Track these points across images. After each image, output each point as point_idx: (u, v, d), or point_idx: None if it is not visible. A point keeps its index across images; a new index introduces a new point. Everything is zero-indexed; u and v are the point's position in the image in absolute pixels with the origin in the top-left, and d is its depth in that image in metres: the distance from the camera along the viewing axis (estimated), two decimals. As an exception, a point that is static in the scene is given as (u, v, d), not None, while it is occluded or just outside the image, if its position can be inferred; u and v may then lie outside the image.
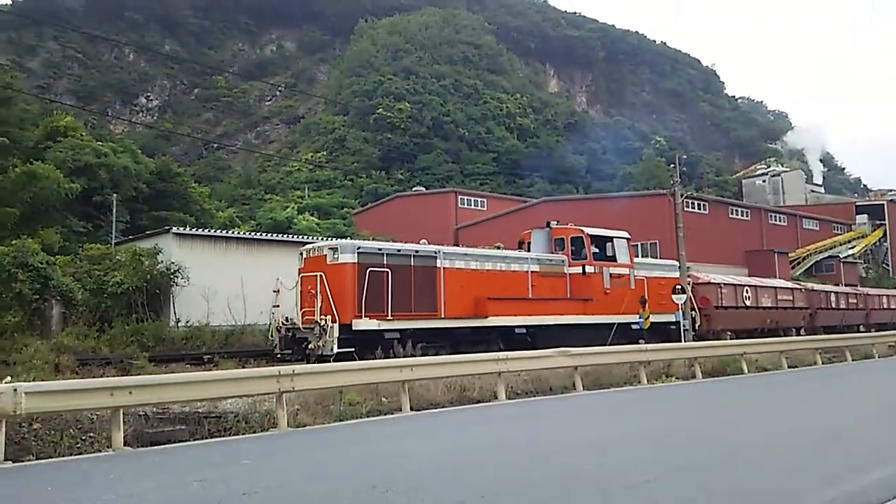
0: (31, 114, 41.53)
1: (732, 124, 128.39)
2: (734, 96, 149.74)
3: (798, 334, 28.75)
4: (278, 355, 15.80)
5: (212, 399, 10.27)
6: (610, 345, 17.56)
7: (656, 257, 40.17)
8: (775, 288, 31.25)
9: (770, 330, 27.70)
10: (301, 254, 17.28)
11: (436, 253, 17.35)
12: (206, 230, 26.91)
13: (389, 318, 15.52)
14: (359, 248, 16.01)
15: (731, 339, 23.36)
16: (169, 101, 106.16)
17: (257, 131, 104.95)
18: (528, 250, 20.41)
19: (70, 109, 56.48)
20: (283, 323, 16.09)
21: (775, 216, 54.91)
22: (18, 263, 17.44)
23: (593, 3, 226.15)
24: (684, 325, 21.93)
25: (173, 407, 10.32)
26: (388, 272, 15.69)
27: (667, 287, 21.94)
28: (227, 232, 27.26)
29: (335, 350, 14.63)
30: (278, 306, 16.39)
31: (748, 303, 28.26)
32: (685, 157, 33.72)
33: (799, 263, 52.32)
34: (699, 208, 45.03)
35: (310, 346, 14.97)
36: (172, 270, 22.15)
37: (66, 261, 22.54)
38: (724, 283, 27.28)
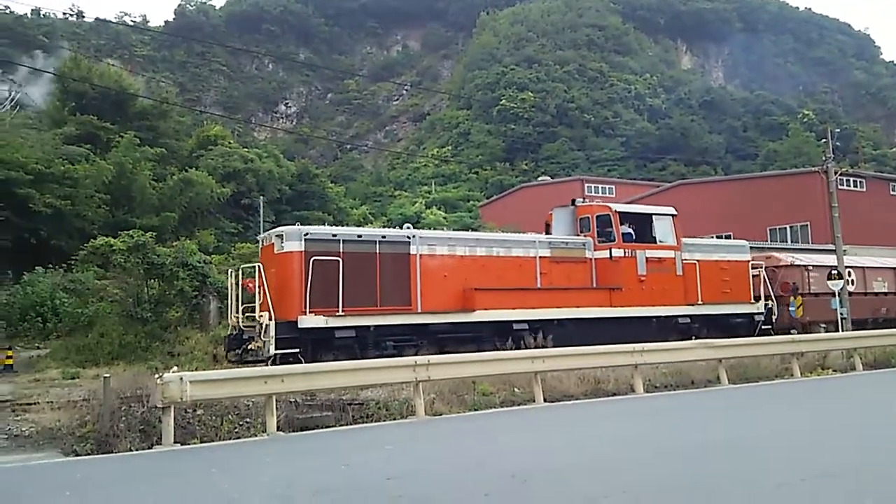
0: (185, 125, 45.24)
1: (891, 92, 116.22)
2: (892, 61, 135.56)
3: None
4: (226, 357, 14.33)
5: (355, 387, 10.73)
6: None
7: (808, 241, 37.37)
8: (893, 269, 25.62)
9: (890, 321, 22.75)
10: (259, 242, 15.62)
11: (409, 238, 14.99)
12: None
13: (340, 313, 13.47)
14: (306, 234, 13.93)
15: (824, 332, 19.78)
16: (306, 106, 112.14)
17: (386, 130, 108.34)
18: (550, 233, 17.87)
19: (218, 119, 61.09)
20: (232, 319, 14.43)
21: (946, 191, 49.26)
22: (179, 263, 19.03)
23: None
24: (842, 313, 20.18)
25: (320, 394, 10.88)
26: (339, 261, 13.66)
27: (732, 272, 18.74)
28: (361, 228, 28.33)
29: (272, 351, 12.88)
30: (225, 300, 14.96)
31: (851, 288, 23.48)
32: (837, 130, 30.80)
33: (977, 242, 46.64)
34: (856, 186, 41.28)
35: (249, 346, 13.39)
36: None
37: (221, 259, 24.33)
38: (814, 266, 22.81)
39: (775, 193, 41.29)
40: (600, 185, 61.67)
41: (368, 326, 13.82)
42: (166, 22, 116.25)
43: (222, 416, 9.55)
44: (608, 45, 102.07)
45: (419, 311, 14.56)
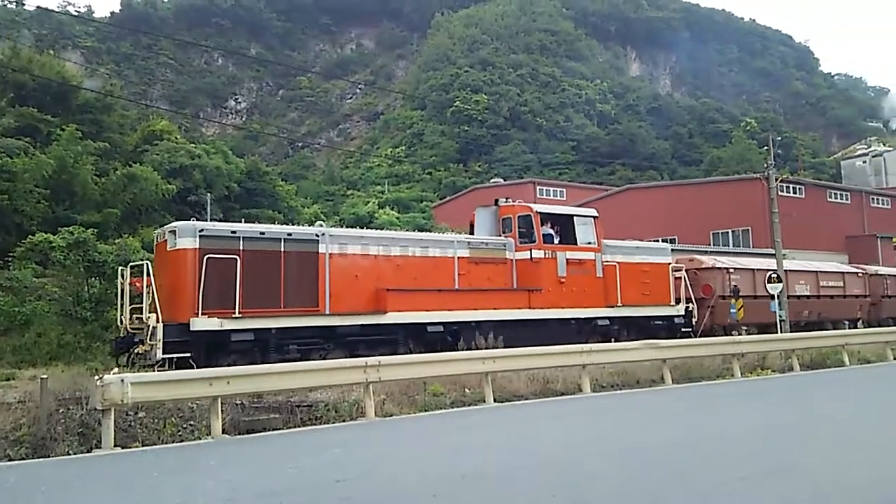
0: (130, 119, 43.87)
1: (829, 103, 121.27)
2: (830, 73, 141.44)
3: (854, 328, 24.37)
4: (116, 362, 13.36)
5: (303, 388, 10.59)
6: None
7: (749, 245, 38.63)
8: (817, 272, 25.92)
9: (812, 323, 23.35)
10: (154, 240, 15.11)
11: (318, 236, 14.36)
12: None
13: (237, 315, 12.71)
14: (201, 230, 13.11)
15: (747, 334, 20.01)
16: (256, 102, 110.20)
17: (339, 129, 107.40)
18: (473, 233, 17.80)
19: (165, 114, 59.44)
20: (120, 322, 13.62)
21: (878, 199, 51.56)
22: (122, 261, 18.44)
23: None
24: (781, 316, 20.92)
25: (267, 396, 10.72)
26: (236, 259, 12.90)
27: (654, 274, 18.70)
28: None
29: (159, 356, 12.02)
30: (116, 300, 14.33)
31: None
32: (778, 138, 31.82)
33: (906, 248, 48.97)
34: (795, 192, 42.87)
35: (136, 350, 12.64)
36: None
37: (165, 258, 23.74)
38: (735, 268, 22.73)
39: (719, 198, 42.56)
40: (552, 188, 62.40)
41: (270, 329, 13.11)
42: (112, 13, 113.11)
43: (165, 418, 9.32)
44: (560, 50, 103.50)
45: (327, 312, 13.94)
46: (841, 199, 47.57)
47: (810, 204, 43.15)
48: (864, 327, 24.49)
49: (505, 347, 12.59)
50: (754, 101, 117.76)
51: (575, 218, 17.86)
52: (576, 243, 17.49)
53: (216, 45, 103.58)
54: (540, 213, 17.30)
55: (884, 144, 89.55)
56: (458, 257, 16.08)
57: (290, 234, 14.17)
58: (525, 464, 6.82)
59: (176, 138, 39.40)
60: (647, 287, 18.46)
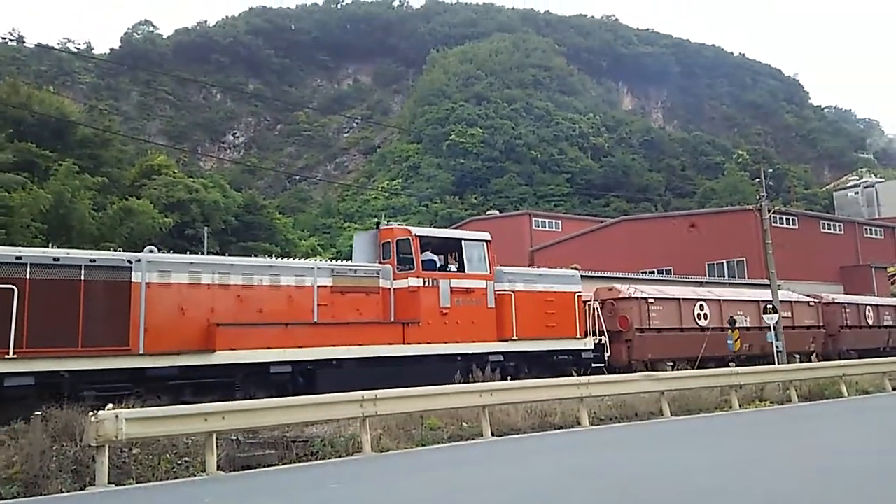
0: (128, 154, 44.28)
1: (820, 135, 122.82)
2: (820, 106, 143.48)
3: (808, 361, 22.25)
4: None
5: (299, 423, 10.52)
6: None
7: (744, 276, 38.74)
8: (758, 302, 23.18)
9: (754, 357, 21.17)
10: None
11: (130, 262, 12.32)
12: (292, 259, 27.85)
13: (11, 356, 10.80)
14: None
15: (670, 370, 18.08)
16: (254, 137, 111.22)
17: (336, 162, 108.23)
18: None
19: (163, 149, 59.85)
20: None
21: (871, 229, 51.89)
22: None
23: (666, 19, 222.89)
24: (777, 347, 20.90)
25: (263, 431, 10.63)
26: (13, 290, 11.00)
27: (558, 304, 16.91)
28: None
29: None
30: None
31: (702, 323, 21.25)
32: (770, 170, 32.13)
33: (900, 279, 49.15)
34: (788, 223, 43.15)
35: None
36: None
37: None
38: (655, 298, 20.69)
39: (712, 230, 42.79)
40: (547, 220, 62.69)
41: (59, 372, 11.16)
42: (112, 50, 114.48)
43: (160, 455, 9.24)
44: (553, 85, 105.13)
45: (140, 352, 11.97)
46: (834, 229, 47.85)
47: (804, 234, 43.41)
48: (819, 361, 22.43)
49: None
50: (745, 133, 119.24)
51: (463, 242, 16.09)
52: (464, 270, 15.78)
53: (214, 81, 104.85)
54: (420, 236, 15.53)
55: (875, 175, 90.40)
56: (319, 286, 14.16)
57: (93, 261, 12.17)
58: (523, 500, 6.77)
59: (174, 173, 39.75)
60: (552, 318, 16.81)
